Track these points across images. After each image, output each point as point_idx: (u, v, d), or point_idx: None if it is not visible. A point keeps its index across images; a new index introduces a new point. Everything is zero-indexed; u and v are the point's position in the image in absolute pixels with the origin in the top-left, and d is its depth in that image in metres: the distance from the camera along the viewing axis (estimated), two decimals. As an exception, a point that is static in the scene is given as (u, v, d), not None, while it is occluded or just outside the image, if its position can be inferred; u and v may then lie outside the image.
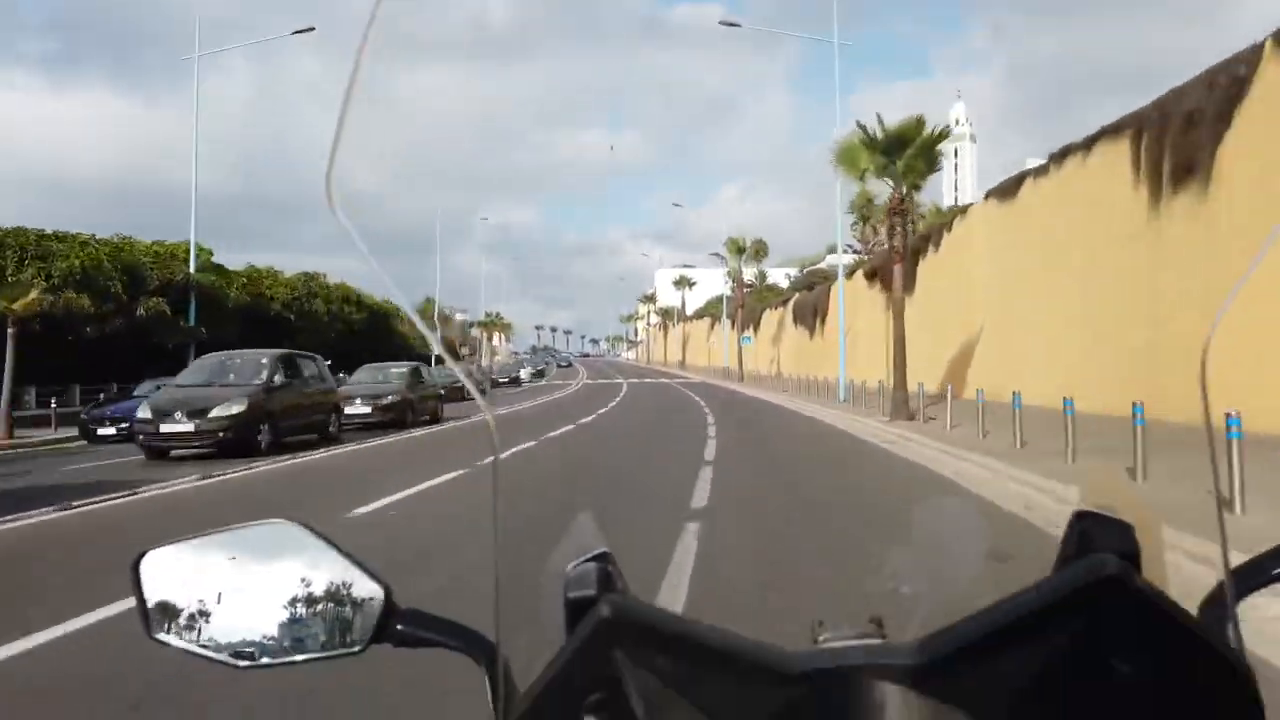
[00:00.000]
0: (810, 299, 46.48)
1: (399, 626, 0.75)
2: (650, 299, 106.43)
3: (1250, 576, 0.65)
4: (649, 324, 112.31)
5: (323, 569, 0.74)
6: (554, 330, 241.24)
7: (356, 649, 0.74)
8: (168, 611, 0.75)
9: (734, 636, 0.57)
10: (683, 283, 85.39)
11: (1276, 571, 0.65)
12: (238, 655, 0.74)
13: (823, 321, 40.92)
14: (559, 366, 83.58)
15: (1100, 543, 0.58)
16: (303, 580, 0.74)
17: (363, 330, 45.38)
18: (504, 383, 48.45)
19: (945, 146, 19.21)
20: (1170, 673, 0.55)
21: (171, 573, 0.76)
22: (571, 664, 0.57)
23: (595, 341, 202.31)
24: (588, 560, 0.63)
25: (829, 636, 0.68)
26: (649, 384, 45.30)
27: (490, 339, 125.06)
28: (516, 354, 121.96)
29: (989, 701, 0.56)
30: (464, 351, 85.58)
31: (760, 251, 54.00)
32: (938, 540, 0.79)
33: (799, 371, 37.74)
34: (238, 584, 0.75)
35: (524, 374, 53.31)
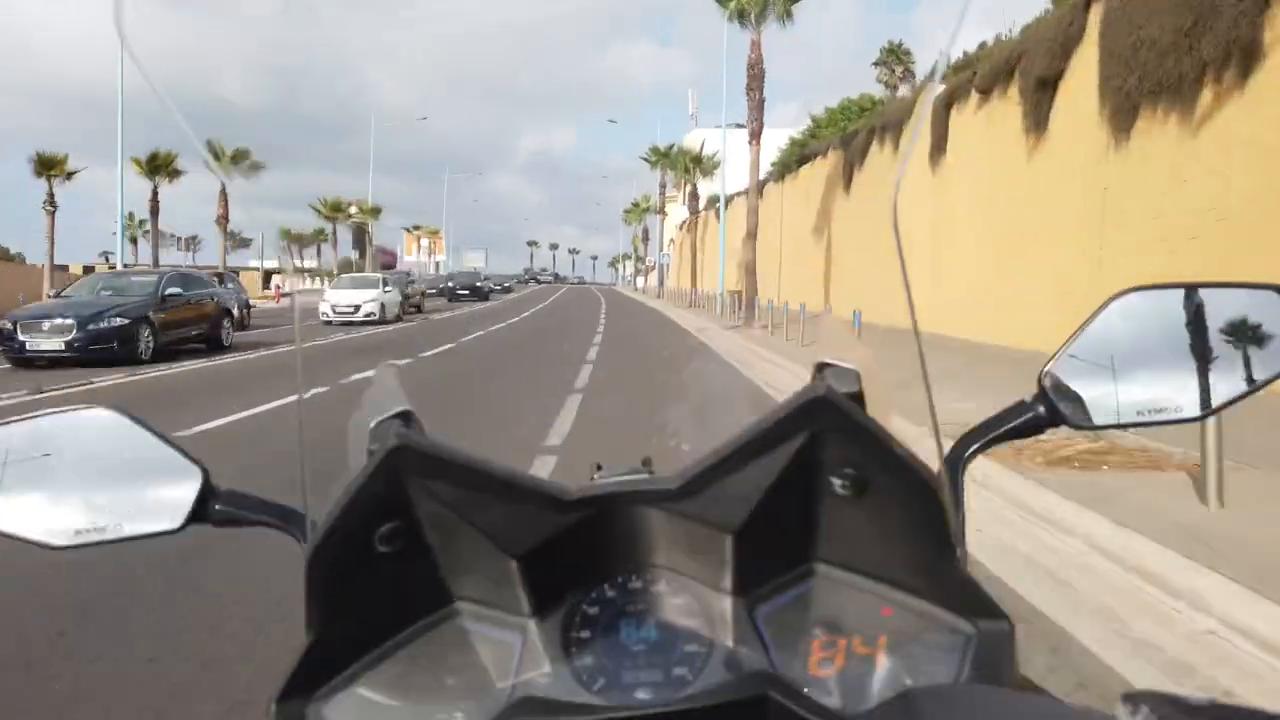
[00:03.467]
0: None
1: (217, 506, 0.77)
2: (663, 154, 49.49)
3: (968, 443, 0.78)
4: (661, 218, 63.33)
5: (138, 452, 0.76)
6: (554, 249, 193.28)
7: (175, 527, 0.76)
8: None
9: (517, 471, 0.63)
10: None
11: (989, 437, 0.78)
12: (54, 535, 0.75)
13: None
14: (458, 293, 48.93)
15: (833, 384, 0.65)
16: (118, 463, 0.75)
17: None
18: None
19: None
20: (877, 481, 0.64)
21: None
22: (362, 491, 0.60)
23: (613, 267, 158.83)
24: (390, 417, 0.65)
25: (604, 474, 0.81)
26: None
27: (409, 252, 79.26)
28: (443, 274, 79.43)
29: (734, 512, 0.66)
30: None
31: None
32: (704, 401, 1.07)
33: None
34: (51, 467, 0.75)
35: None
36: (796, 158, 30.52)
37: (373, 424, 0.65)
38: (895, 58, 41.97)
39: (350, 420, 0.67)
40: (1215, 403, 0.78)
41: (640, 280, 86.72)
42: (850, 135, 25.21)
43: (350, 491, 0.60)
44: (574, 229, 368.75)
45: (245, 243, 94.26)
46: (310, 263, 79.37)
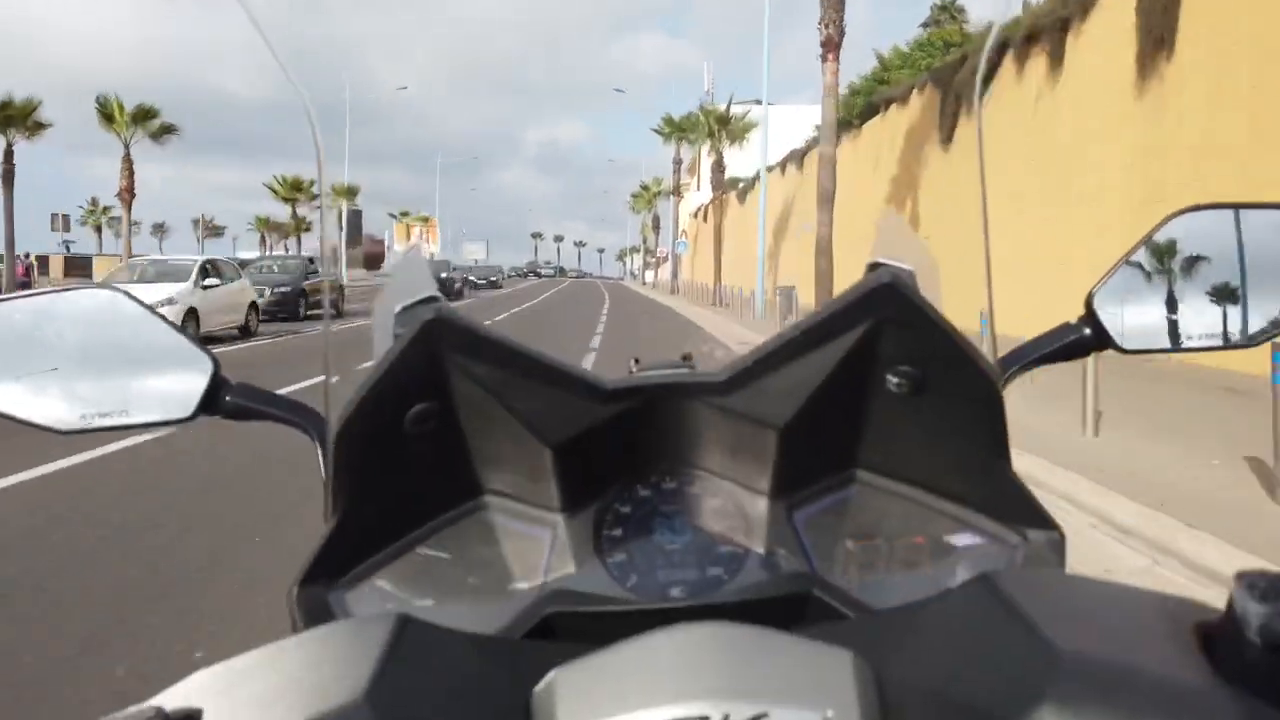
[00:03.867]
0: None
1: (229, 398, 0.74)
2: (678, 125, 39.13)
3: (1013, 361, 0.76)
4: (675, 202, 50.84)
5: (148, 339, 0.73)
6: (559, 241, 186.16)
7: (185, 416, 0.73)
8: None
9: (554, 358, 0.60)
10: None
11: (1034, 357, 0.76)
12: (59, 419, 0.72)
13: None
14: None
15: None
16: (127, 348, 0.72)
17: None
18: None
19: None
20: (936, 379, 0.61)
21: None
22: (395, 365, 0.57)
23: (621, 260, 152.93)
24: (418, 302, 0.63)
25: (644, 367, 0.78)
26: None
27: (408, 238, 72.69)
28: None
29: (782, 407, 0.62)
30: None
31: None
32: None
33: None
34: (58, 348, 0.72)
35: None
36: (861, 110, 23.07)
37: (398, 309, 0.62)
38: (949, 15, 34.95)
39: (375, 306, 0.66)
40: (1266, 331, 0.75)
41: (650, 274, 79.10)
42: (952, 66, 17.82)
43: (383, 366, 0.57)
44: (582, 223, 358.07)
45: (218, 231, 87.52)
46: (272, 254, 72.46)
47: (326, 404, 0.69)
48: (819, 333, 0.59)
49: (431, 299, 0.61)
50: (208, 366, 0.73)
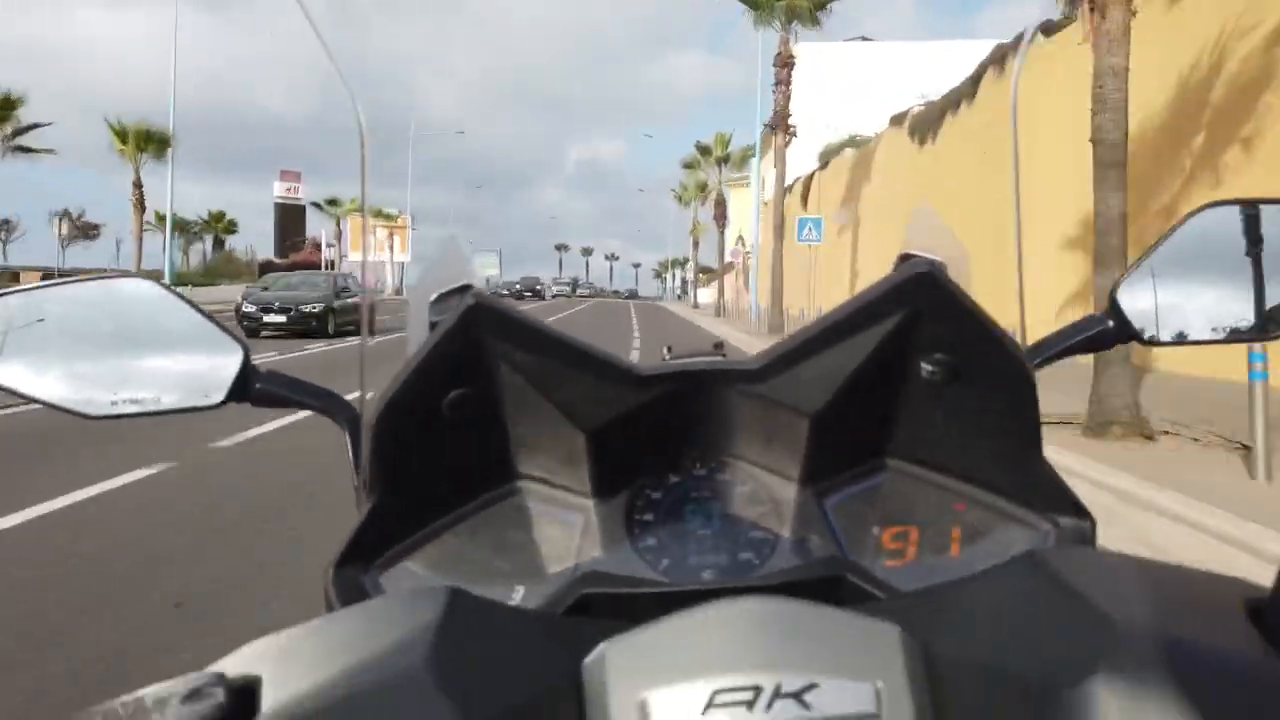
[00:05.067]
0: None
1: (258, 385, 0.76)
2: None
3: (1038, 353, 0.76)
4: (778, 145, 23.09)
5: (180, 326, 0.74)
6: (588, 254, 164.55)
7: (214, 402, 0.74)
8: (12, 357, 0.72)
9: (590, 345, 0.61)
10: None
11: (1060, 348, 0.77)
12: (89, 404, 0.72)
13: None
14: None
15: None
16: (159, 335, 0.74)
17: None
18: None
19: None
20: (970, 367, 0.62)
21: (18, 319, 0.73)
22: (435, 351, 0.58)
23: (659, 276, 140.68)
24: (453, 290, 0.65)
25: (677, 355, 0.77)
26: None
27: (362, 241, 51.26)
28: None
29: (815, 394, 0.62)
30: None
31: None
32: None
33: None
34: (91, 334, 0.73)
35: None
36: None
37: (434, 297, 0.65)
38: None
39: (410, 292, 0.65)
40: None
41: (703, 294, 56.06)
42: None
43: (423, 351, 0.58)
44: (618, 240, 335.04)
45: (91, 232, 66.38)
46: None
47: (363, 397, 0.68)
48: (853, 321, 0.60)
49: (466, 287, 0.63)
50: (238, 354, 0.74)
